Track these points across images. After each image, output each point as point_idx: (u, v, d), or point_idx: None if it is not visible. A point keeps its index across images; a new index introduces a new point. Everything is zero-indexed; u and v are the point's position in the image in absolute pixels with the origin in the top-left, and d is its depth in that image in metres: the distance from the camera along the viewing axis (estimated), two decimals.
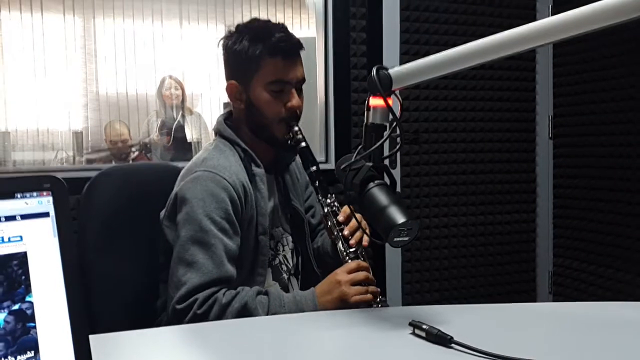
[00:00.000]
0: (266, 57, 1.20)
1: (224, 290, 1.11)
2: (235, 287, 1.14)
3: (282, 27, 1.24)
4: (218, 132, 1.30)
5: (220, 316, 1.08)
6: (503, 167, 2.71)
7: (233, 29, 1.26)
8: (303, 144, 1.23)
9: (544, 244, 2.78)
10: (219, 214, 1.14)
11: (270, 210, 1.29)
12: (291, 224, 1.36)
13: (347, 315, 1.03)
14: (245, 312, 1.09)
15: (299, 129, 1.24)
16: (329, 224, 1.23)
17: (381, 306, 1.16)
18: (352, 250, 1.20)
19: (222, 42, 1.27)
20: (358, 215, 1.16)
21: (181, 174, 1.24)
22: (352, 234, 1.21)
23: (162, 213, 1.25)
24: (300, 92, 1.26)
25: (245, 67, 1.22)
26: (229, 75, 1.27)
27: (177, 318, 1.09)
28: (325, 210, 1.23)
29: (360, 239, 1.22)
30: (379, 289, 1.18)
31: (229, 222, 1.15)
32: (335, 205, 1.24)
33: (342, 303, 1.12)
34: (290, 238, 1.35)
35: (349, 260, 1.19)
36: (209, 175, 1.17)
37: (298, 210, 1.36)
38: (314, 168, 1.24)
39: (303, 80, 1.25)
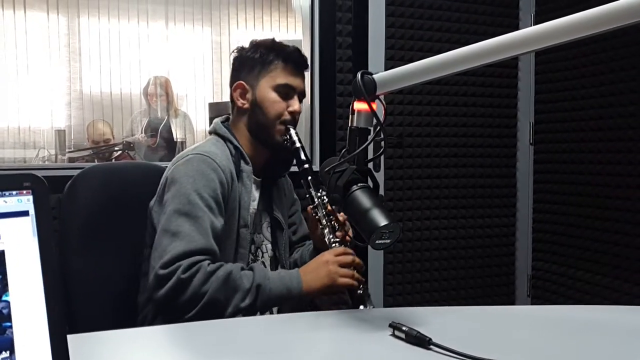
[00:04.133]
0: (280, 62, 1.30)
1: (208, 261, 1.11)
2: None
3: (296, 47, 1.33)
4: (213, 131, 1.34)
5: (204, 283, 1.08)
6: (484, 172, 2.74)
7: (247, 44, 1.35)
8: (297, 144, 1.29)
9: (523, 247, 2.82)
10: (207, 191, 1.17)
11: (253, 213, 1.29)
12: (272, 234, 1.37)
13: (327, 317, 1.03)
14: (230, 280, 1.10)
15: (296, 132, 1.31)
16: (319, 214, 1.26)
17: (363, 292, 1.17)
18: (338, 239, 1.23)
19: (235, 51, 1.36)
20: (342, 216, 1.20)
21: (172, 161, 1.26)
22: (340, 225, 1.25)
23: (152, 201, 1.25)
24: (300, 102, 1.33)
25: (258, 69, 1.31)
26: (237, 79, 1.33)
27: (159, 284, 1.08)
28: (317, 201, 1.27)
29: (346, 233, 1.25)
30: (363, 279, 1.19)
31: (216, 201, 1.18)
32: (325, 199, 1.28)
33: (329, 282, 1.14)
34: (270, 246, 1.37)
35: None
36: (200, 157, 1.21)
37: (279, 221, 1.37)
38: (307, 165, 1.29)
39: (304, 94, 1.35)
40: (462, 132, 2.68)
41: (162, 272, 1.08)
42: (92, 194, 1.27)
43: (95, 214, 1.26)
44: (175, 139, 3.23)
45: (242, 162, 1.28)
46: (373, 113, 0.93)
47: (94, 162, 3.01)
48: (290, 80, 1.30)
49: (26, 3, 3.04)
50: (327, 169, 0.96)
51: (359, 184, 0.92)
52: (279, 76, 1.30)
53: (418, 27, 2.54)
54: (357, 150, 0.94)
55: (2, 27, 3.00)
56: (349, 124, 0.97)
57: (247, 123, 1.32)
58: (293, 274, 1.15)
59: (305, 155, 1.30)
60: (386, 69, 0.93)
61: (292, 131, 1.30)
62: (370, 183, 0.95)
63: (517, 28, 2.69)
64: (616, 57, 2.36)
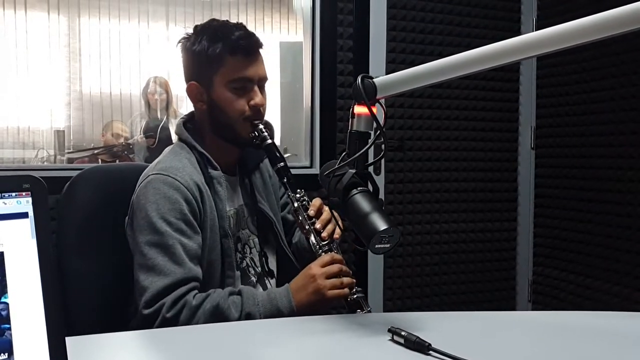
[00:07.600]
0: (227, 55, 1.18)
1: (193, 292, 1.09)
2: (205, 290, 1.12)
3: (241, 26, 1.22)
4: (177, 135, 1.28)
5: (190, 319, 1.06)
6: (485, 176, 2.74)
7: (191, 30, 1.25)
8: (268, 140, 1.22)
9: (525, 252, 2.82)
10: (174, 215, 1.12)
11: (235, 212, 1.28)
12: (258, 226, 1.34)
13: (326, 321, 1.03)
14: (217, 313, 1.07)
15: (264, 127, 1.23)
16: (300, 218, 1.23)
17: (357, 297, 1.15)
18: (324, 243, 1.20)
19: (180, 43, 1.26)
20: (327, 208, 1.16)
21: (139, 180, 1.22)
22: (324, 227, 1.21)
23: (126, 221, 1.22)
24: (262, 90, 1.23)
25: (206, 66, 1.20)
26: (189, 77, 1.25)
27: (146, 324, 1.06)
28: (296, 205, 1.23)
29: (333, 232, 1.21)
30: (354, 280, 1.16)
31: (186, 222, 1.13)
32: (305, 200, 1.24)
33: (318, 297, 1.11)
34: (257, 240, 1.33)
35: (322, 254, 1.18)
36: (160, 177, 1.15)
37: (265, 213, 1.33)
38: (281, 164, 1.23)
39: (265, 78, 1.24)
40: (463, 136, 2.67)
41: (146, 312, 1.06)
42: (90, 196, 1.27)
43: (94, 215, 1.26)
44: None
45: (209, 167, 1.21)
46: (373, 117, 0.93)
47: (97, 162, 3.01)
48: (243, 73, 1.19)
49: (27, 3, 3.04)
50: (326, 173, 0.96)
51: (358, 188, 0.92)
52: (231, 71, 1.18)
53: (420, 31, 2.54)
54: (357, 154, 0.93)
55: (2, 27, 3.00)
56: (349, 128, 0.96)
57: (209, 124, 1.24)
58: (282, 292, 1.13)
59: (278, 151, 1.22)
60: (387, 72, 0.93)
61: (261, 126, 1.21)
62: (370, 187, 0.94)
63: (519, 32, 2.69)
64: (618, 62, 2.36)
